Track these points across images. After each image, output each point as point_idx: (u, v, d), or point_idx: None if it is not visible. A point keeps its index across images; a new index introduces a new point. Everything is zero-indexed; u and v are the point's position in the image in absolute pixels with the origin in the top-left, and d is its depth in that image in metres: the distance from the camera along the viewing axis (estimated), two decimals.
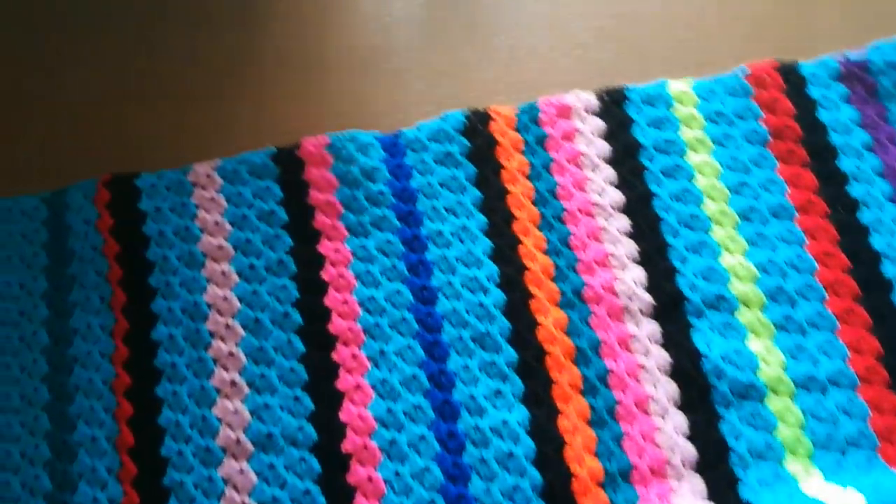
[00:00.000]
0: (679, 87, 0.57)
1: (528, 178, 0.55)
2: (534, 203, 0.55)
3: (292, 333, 0.51)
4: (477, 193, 0.55)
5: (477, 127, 0.56)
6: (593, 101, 0.57)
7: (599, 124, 0.56)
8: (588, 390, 0.49)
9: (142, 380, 0.50)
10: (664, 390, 0.48)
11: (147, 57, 0.63)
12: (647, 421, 0.48)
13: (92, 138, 0.60)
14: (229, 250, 0.53)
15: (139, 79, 0.62)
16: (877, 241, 0.51)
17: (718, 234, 0.52)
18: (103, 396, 0.50)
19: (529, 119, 0.57)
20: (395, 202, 0.55)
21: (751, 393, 0.48)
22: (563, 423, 0.48)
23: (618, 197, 0.54)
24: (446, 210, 0.54)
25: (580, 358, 0.50)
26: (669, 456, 0.47)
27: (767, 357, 0.49)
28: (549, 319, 0.51)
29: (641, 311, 0.51)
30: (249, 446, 0.48)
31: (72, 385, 0.50)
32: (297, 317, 0.51)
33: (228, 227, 0.54)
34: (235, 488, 0.47)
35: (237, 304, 0.52)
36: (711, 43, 0.61)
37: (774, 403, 0.47)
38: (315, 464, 0.48)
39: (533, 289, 0.52)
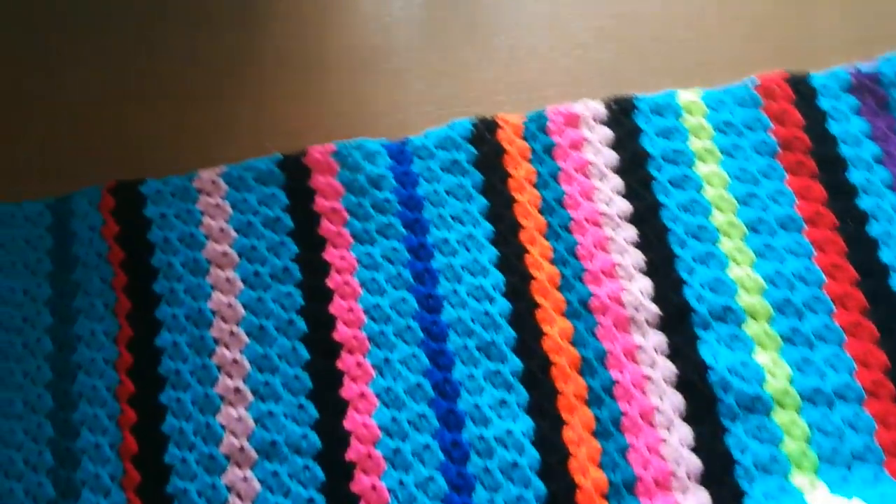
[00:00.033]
0: (688, 96, 0.58)
1: (536, 186, 0.56)
2: (541, 212, 0.56)
3: (297, 341, 0.52)
4: (483, 202, 0.56)
5: (484, 135, 0.58)
6: (601, 110, 0.58)
7: (607, 133, 0.57)
8: (593, 401, 0.50)
9: (145, 387, 0.52)
10: (670, 402, 0.50)
11: (147, 57, 0.64)
12: (652, 433, 0.49)
13: (92, 138, 0.61)
14: (234, 257, 0.55)
15: (139, 79, 0.63)
16: (885, 255, 0.52)
17: (726, 245, 0.53)
18: (107, 403, 0.51)
19: (537, 127, 0.58)
20: (401, 210, 0.56)
21: (757, 406, 0.49)
22: (568, 434, 0.49)
23: (625, 207, 0.55)
24: (452, 218, 0.55)
25: (586, 368, 0.51)
26: (675, 468, 0.48)
27: (774, 370, 0.50)
28: (555, 329, 0.52)
29: (648, 322, 0.52)
30: (253, 454, 0.49)
31: (75, 392, 0.52)
32: (301, 324, 0.53)
33: (233, 233, 0.55)
34: (239, 496, 0.49)
35: (242, 311, 0.53)
36: (711, 43, 0.62)
37: (781, 417, 0.49)
38: (319, 472, 0.49)
39: (539, 298, 0.53)
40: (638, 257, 0.54)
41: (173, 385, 0.51)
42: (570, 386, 0.50)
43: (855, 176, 0.55)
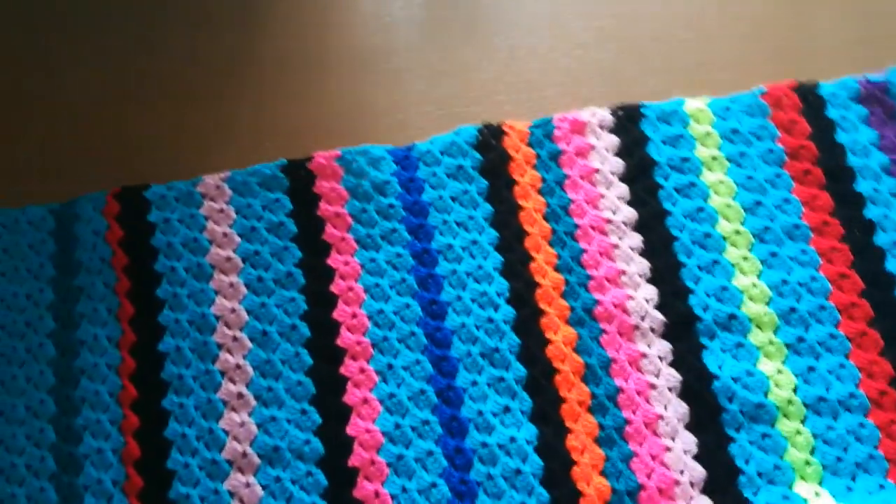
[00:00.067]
0: (695, 104, 0.59)
1: (541, 193, 0.57)
2: (546, 219, 0.57)
3: (300, 346, 0.53)
4: (489, 208, 0.57)
5: (490, 141, 0.59)
6: (608, 118, 0.59)
7: (614, 141, 0.58)
8: (597, 409, 0.51)
9: (148, 392, 0.53)
10: (674, 411, 0.51)
11: (147, 57, 0.65)
12: (656, 441, 0.50)
13: (92, 138, 0.62)
14: (238, 262, 0.56)
15: (139, 79, 0.64)
16: (892, 265, 0.53)
17: (732, 254, 0.55)
18: (109, 409, 0.52)
19: (543, 134, 0.59)
20: (405, 216, 0.57)
21: (761, 415, 0.50)
22: (572, 442, 0.50)
23: (631, 215, 0.56)
24: (457, 224, 0.56)
25: (590, 376, 0.52)
26: (678, 477, 0.49)
27: (779, 379, 0.51)
28: (560, 337, 0.53)
29: (653, 331, 0.53)
30: (256, 460, 0.50)
31: (78, 397, 0.53)
32: (305, 330, 0.54)
33: (237, 238, 0.56)
34: (242, 502, 0.50)
35: (245, 316, 0.54)
36: (711, 43, 0.64)
37: (785, 426, 0.50)
38: (322, 478, 0.50)
39: (543, 305, 0.54)
40: (643, 265, 0.55)
41: (176, 390, 0.52)
42: (574, 393, 0.51)
43: (863, 186, 0.56)
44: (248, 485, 0.50)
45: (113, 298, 0.55)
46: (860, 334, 0.52)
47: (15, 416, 0.52)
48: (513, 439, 0.50)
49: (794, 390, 0.51)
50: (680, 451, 0.50)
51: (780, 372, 0.51)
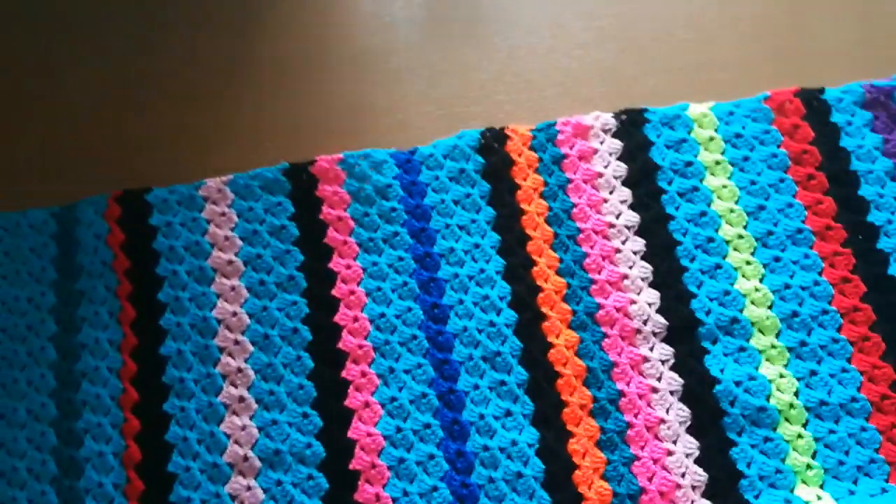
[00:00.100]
0: (699, 109, 0.60)
1: (544, 197, 0.58)
2: (548, 223, 0.57)
3: (302, 350, 0.54)
4: (491, 212, 0.58)
5: (492, 145, 0.60)
6: (611, 121, 0.60)
7: (617, 145, 0.59)
8: (599, 413, 0.52)
9: (149, 396, 0.54)
10: (676, 414, 0.52)
11: (147, 58, 0.66)
12: (657, 445, 0.51)
13: (92, 138, 0.63)
14: (240, 266, 0.57)
15: (139, 79, 0.65)
16: (895, 269, 0.54)
17: (735, 258, 0.55)
18: (110, 412, 0.53)
19: (546, 138, 0.60)
20: (407, 219, 0.58)
21: (763, 419, 0.51)
22: (573, 446, 0.51)
23: (634, 219, 0.57)
24: (460, 228, 0.57)
25: (592, 380, 0.53)
26: (680, 480, 0.50)
27: (781, 383, 0.52)
28: (562, 340, 0.54)
29: (655, 335, 0.54)
30: (257, 463, 0.51)
31: (79, 400, 0.54)
32: (306, 333, 0.55)
33: (239, 242, 0.57)
34: None
35: (247, 319, 0.55)
36: (711, 43, 0.65)
37: (787, 430, 0.51)
38: (323, 481, 0.51)
39: (545, 309, 0.55)
40: (646, 269, 0.56)
41: (177, 394, 0.53)
42: (576, 397, 0.52)
43: (867, 191, 0.57)
44: (249, 488, 0.51)
45: (114, 302, 0.56)
46: (862, 338, 0.53)
47: (16, 419, 0.53)
48: (514, 443, 0.51)
49: (796, 394, 0.51)
50: (681, 454, 0.50)
51: (781, 376, 0.52)
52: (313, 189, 0.58)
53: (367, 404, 0.52)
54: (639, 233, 0.57)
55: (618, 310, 0.54)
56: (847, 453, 0.50)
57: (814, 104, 0.59)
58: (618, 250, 0.56)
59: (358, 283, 0.56)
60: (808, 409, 0.51)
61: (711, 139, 0.59)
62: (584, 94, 0.62)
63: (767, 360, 0.52)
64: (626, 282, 0.55)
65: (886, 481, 0.49)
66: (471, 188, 0.58)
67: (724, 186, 0.57)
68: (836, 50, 0.63)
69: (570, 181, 0.58)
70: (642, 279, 0.55)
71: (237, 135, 0.62)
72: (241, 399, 0.53)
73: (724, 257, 0.55)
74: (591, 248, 0.56)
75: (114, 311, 0.55)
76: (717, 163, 0.58)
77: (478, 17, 0.67)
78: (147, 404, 0.53)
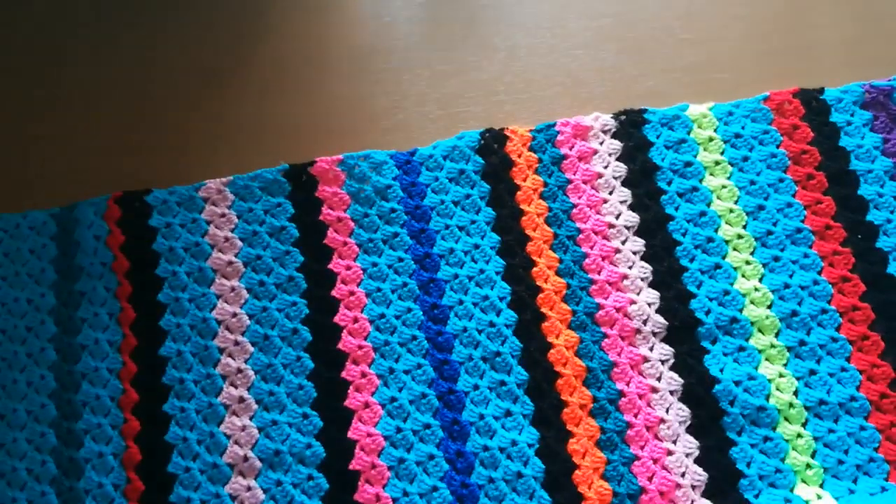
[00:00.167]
0: (698, 109, 0.61)
1: (544, 198, 0.60)
2: (548, 223, 0.59)
3: (302, 351, 0.56)
4: (491, 212, 0.59)
5: (492, 146, 0.61)
6: (611, 122, 0.61)
7: (617, 146, 0.61)
8: (599, 412, 0.53)
9: (149, 396, 0.55)
10: (676, 414, 0.53)
11: (147, 58, 0.68)
12: (657, 445, 0.52)
13: (92, 139, 0.64)
14: (240, 267, 0.58)
15: (139, 80, 0.67)
16: (894, 269, 0.55)
17: (734, 258, 0.57)
18: (110, 413, 0.55)
19: (546, 139, 0.61)
20: (407, 220, 0.59)
21: (763, 418, 0.52)
22: (573, 446, 0.52)
23: (633, 219, 0.58)
24: (459, 229, 0.59)
25: (592, 380, 0.54)
26: (679, 480, 0.51)
27: (780, 383, 0.53)
28: (561, 340, 0.55)
29: (655, 335, 0.55)
30: (257, 463, 0.53)
31: (79, 401, 0.55)
32: (306, 334, 0.56)
33: (239, 243, 0.59)
34: None
35: (247, 320, 0.56)
36: (711, 43, 0.66)
37: (786, 429, 0.52)
38: (323, 482, 0.52)
39: (545, 309, 0.56)
40: (645, 269, 0.57)
41: (177, 395, 0.55)
42: (576, 397, 0.54)
43: (866, 190, 0.58)
44: (249, 488, 0.52)
45: (114, 303, 0.57)
46: (861, 338, 0.54)
47: (16, 420, 0.55)
48: (514, 443, 0.52)
49: (796, 393, 0.53)
50: (681, 454, 0.52)
51: (781, 375, 0.53)
52: (313, 190, 0.60)
53: (367, 405, 0.54)
54: (638, 233, 0.58)
55: (617, 310, 0.55)
56: (846, 452, 0.51)
57: (813, 104, 0.60)
58: (617, 250, 0.57)
59: (358, 284, 0.57)
60: (807, 408, 0.52)
61: (711, 139, 0.60)
62: (584, 94, 0.64)
63: (767, 359, 0.54)
64: (625, 282, 0.56)
65: (886, 480, 0.50)
66: (470, 189, 0.60)
67: (724, 186, 0.59)
68: (835, 50, 0.64)
69: (569, 182, 0.60)
70: (642, 279, 0.56)
71: (237, 135, 0.64)
72: (241, 400, 0.54)
73: (724, 257, 0.57)
74: (591, 248, 0.58)
75: (114, 313, 0.57)
76: (717, 163, 0.59)
77: (478, 17, 0.68)
78: (147, 405, 0.54)
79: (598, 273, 0.57)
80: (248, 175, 0.60)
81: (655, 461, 0.51)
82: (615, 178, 0.59)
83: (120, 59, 0.67)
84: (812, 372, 0.53)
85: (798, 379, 0.53)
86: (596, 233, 0.58)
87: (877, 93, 0.60)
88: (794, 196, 0.58)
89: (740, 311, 0.55)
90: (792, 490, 0.50)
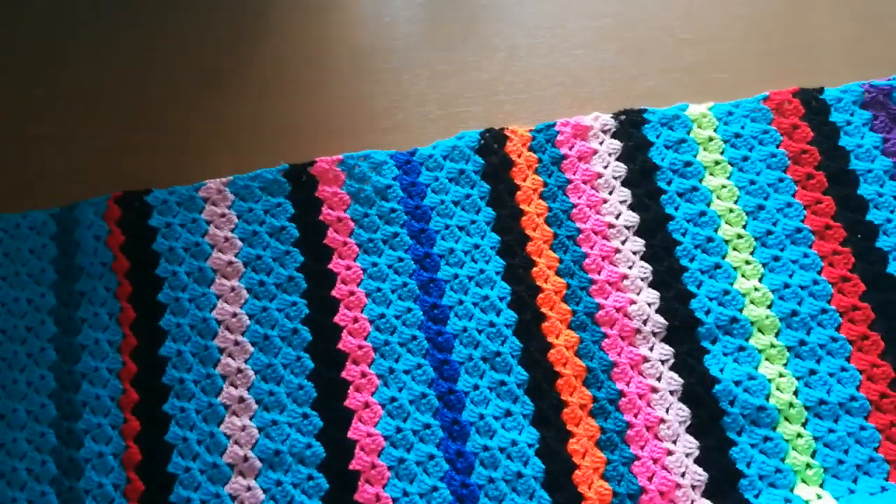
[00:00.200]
0: (698, 109, 0.62)
1: (543, 198, 0.60)
2: (548, 224, 0.59)
3: (302, 351, 0.56)
4: (491, 212, 0.60)
5: (492, 146, 0.61)
6: (611, 122, 0.62)
7: (617, 146, 0.61)
8: (599, 412, 0.54)
9: (149, 396, 0.56)
10: (676, 414, 0.53)
11: (147, 58, 0.68)
12: (657, 445, 0.53)
13: (92, 139, 0.65)
14: (240, 267, 0.59)
15: (140, 79, 0.67)
16: (894, 268, 0.56)
17: (734, 257, 0.57)
18: (110, 413, 0.55)
19: (546, 139, 0.62)
20: (407, 220, 0.60)
21: (763, 418, 0.53)
22: (573, 446, 0.53)
23: (633, 219, 0.59)
24: (459, 229, 0.59)
25: (592, 380, 0.55)
26: (679, 480, 0.52)
27: (780, 383, 0.54)
28: (561, 340, 0.56)
29: (654, 335, 0.56)
30: (257, 463, 0.53)
31: (79, 401, 0.56)
32: (306, 334, 0.56)
33: (239, 243, 0.59)
34: None
35: (247, 320, 0.57)
36: (711, 43, 0.66)
37: (786, 429, 0.53)
38: (323, 482, 0.53)
39: (545, 310, 0.57)
40: (645, 269, 0.57)
41: (177, 395, 0.55)
42: (576, 397, 0.54)
43: (866, 190, 0.58)
44: (249, 488, 0.53)
45: (114, 303, 0.58)
46: (861, 337, 0.54)
47: (16, 420, 0.55)
48: (514, 443, 0.53)
49: (796, 393, 0.53)
50: (681, 454, 0.52)
51: (781, 375, 0.54)
52: (313, 190, 0.60)
53: (367, 405, 0.54)
54: (638, 233, 0.58)
55: (617, 310, 0.56)
56: (846, 452, 0.52)
57: (813, 104, 0.61)
58: (617, 250, 0.58)
59: (358, 284, 0.57)
60: (807, 408, 0.53)
61: (711, 139, 0.60)
62: (584, 94, 0.64)
63: (767, 359, 0.54)
64: (625, 282, 0.57)
65: (886, 480, 0.51)
66: (470, 189, 0.60)
67: (724, 186, 0.59)
68: (835, 50, 0.64)
69: (569, 182, 0.60)
70: (642, 279, 0.57)
71: (237, 135, 0.64)
72: (241, 400, 0.55)
73: (724, 257, 0.57)
74: (591, 248, 0.58)
75: (114, 313, 0.57)
76: (717, 163, 0.60)
77: (478, 17, 0.69)
78: (147, 405, 0.55)
79: (598, 273, 0.57)
80: (248, 175, 0.60)
81: (655, 461, 0.52)
82: (615, 177, 0.60)
83: (120, 59, 0.67)
84: (812, 372, 0.53)
85: (798, 379, 0.53)
86: (596, 233, 0.58)
87: (876, 92, 0.60)
88: (793, 196, 0.58)
89: (740, 310, 0.55)
90: (792, 490, 0.51)
